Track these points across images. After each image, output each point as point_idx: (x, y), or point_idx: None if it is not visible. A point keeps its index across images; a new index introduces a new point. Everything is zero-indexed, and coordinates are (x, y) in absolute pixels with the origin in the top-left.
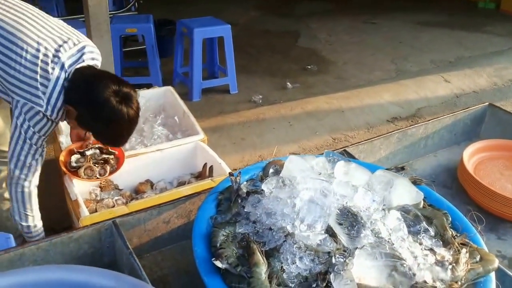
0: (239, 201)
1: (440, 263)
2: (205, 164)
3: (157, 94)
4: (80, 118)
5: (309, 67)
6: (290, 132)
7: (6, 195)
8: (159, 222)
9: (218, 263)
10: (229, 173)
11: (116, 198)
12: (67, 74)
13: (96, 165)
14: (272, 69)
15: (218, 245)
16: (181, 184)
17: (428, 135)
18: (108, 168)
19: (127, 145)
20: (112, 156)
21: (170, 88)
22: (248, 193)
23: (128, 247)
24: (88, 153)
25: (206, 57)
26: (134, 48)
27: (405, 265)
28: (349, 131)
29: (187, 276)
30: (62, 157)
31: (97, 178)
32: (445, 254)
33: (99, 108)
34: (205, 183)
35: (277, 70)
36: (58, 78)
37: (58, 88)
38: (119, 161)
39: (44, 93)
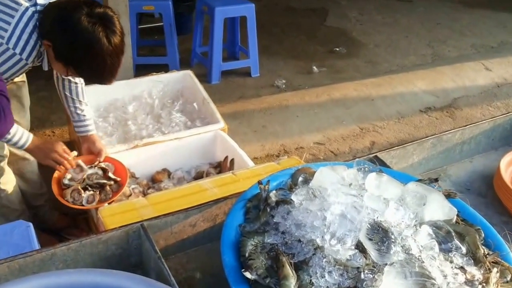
0: (268, 210)
1: (470, 282)
2: (226, 157)
3: (175, 78)
4: (57, 52)
5: (337, 49)
6: (315, 121)
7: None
8: (186, 225)
9: (248, 274)
10: (258, 181)
11: (133, 186)
12: (37, 7)
13: (89, 189)
14: (297, 51)
15: (247, 255)
16: (199, 174)
17: (465, 141)
18: (98, 196)
19: (144, 132)
20: (112, 183)
21: (189, 72)
22: (277, 203)
23: (156, 251)
24: (87, 172)
25: (226, 36)
26: (150, 25)
27: (434, 285)
28: (378, 121)
29: (212, 278)
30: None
31: (81, 206)
32: (476, 273)
33: (73, 34)
34: (226, 177)
35: (302, 52)
36: (26, 8)
37: (25, 19)
38: (118, 190)
39: (8, 23)
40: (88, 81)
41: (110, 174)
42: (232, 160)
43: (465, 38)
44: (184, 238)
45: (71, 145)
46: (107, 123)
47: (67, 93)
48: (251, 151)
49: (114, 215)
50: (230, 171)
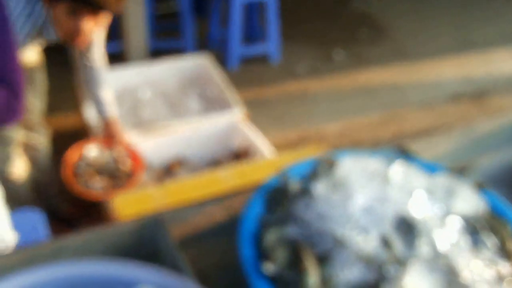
0: (289, 201)
1: (499, 277)
2: (244, 146)
3: (192, 63)
4: None
5: (361, 34)
6: (338, 108)
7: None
8: (203, 217)
9: (268, 267)
10: (279, 171)
11: (147, 175)
12: None
13: (101, 176)
14: (318, 36)
15: (267, 247)
16: (216, 163)
17: (495, 131)
18: (109, 184)
19: (159, 119)
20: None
21: (207, 56)
22: (298, 193)
23: (171, 242)
24: (101, 157)
25: (245, 20)
26: (165, 3)
27: (462, 279)
28: (403, 109)
29: (228, 272)
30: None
31: (89, 191)
32: (506, 268)
33: None
34: (245, 166)
35: (324, 36)
36: None
37: None
38: (130, 182)
39: None
40: (94, 10)
41: (121, 166)
42: (251, 149)
43: (495, 25)
44: (200, 230)
45: (83, 131)
46: (121, 110)
47: (86, 77)
48: (270, 140)
49: (128, 205)
50: (248, 161)
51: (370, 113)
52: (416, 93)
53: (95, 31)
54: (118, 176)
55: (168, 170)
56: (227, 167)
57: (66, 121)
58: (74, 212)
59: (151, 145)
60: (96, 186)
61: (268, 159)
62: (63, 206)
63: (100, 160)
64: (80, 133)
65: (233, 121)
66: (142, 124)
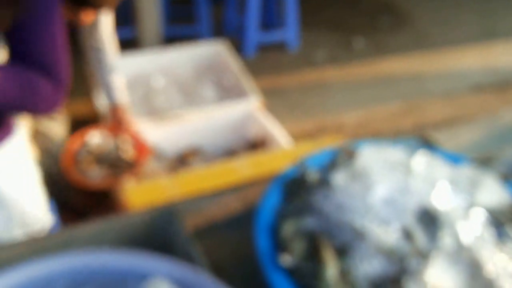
0: (307, 191)
1: None
2: (260, 135)
3: (207, 50)
4: None
5: (381, 21)
6: (357, 98)
7: None
8: (217, 208)
9: (285, 258)
10: (296, 160)
11: (160, 164)
12: None
13: (102, 165)
14: (338, 23)
15: (284, 238)
16: (232, 153)
17: None
18: (109, 173)
19: (172, 107)
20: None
21: (223, 42)
22: (316, 184)
23: (185, 233)
24: (103, 145)
25: (262, 6)
26: None
27: (485, 273)
28: (425, 100)
29: (243, 264)
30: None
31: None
32: None
33: None
34: (261, 156)
35: (343, 24)
36: None
37: None
38: (132, 171)
39: None
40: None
41: (123, 154)
42: (268, 138)
43: None
44: (215, 222)
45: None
46: (133, 98)
47: (94, 60)
48: (287, 129)
49: (140, 195)
50: (265, 151)
51: (390, 103)
52: (437, 83)
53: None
54: (118, 165)
55: (182, 160)
56: (242, 157)
57: (78, 108)
58: (86, 202)
59: (164, 134)
60: (93, 174)
61: (285, 149)
62: (75, 196)
63: (102, 147)
64: (92, 121)
65: (249, 110)
66: (155, 113)
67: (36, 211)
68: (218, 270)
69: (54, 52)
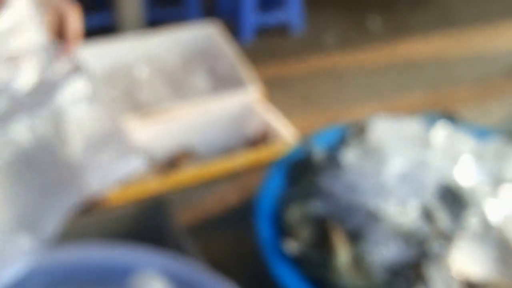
0: (313, 172)
1: None
2: (262, 129)
3: (198, 34)
4: None
5: None
6: (373, 87)
7: None
8: (212, 200)
9: (291, 246)
10: (301, 138)
11: (147, 167)
12: None
13: None
14: (351, 0)
15: (289, 224)
16: (229, 153)
17: None
18: None
19: (159, 101)
20: None
21: (215, 25)
22: (324, 163)
23: (177, 227)
24: None
25: None
26: None
27: None
28: (454, 86)
29: (244, 262)
30: None
31: None
32: None
33: None
34: (262, 153)
35: (358, 1)
36: None
37: None
38: None
39: None
40: None
41: None
42: (270, 132)
43: None
44: (211, 216)
45: None
46: (113, 92)
47: None
48: (294, 123)
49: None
50: (268, 146)
51: (413, 92)
52: (467, 68)
53: None
54: None
55: (172, 163)
56: (241, 156)
57: None
58: None
59: (151, 133)
60: None
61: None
62: None
63: None
64: None
65: (248, 102)
66: (139, 108)
67: None
68: (213, 267)
69: None
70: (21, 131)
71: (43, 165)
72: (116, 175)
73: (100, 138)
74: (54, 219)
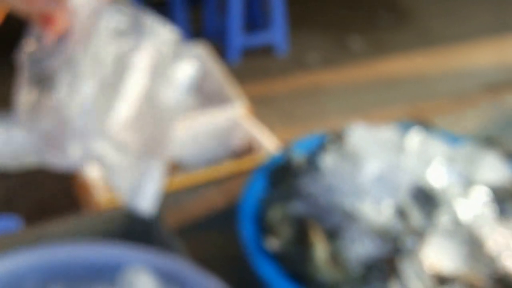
0: (294, 175)
1: None
2: (247, 142)
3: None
4: None
5: (381, 18)
6: (354, 103)
7: None
8: (199, 203)
9: (271, 242)
10: (282, 144)
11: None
12: None
13: None
14: (332, 21)
15: (270, 224)
16: (216, 163)
17: None
18: None
19: None
20: None
21: (202, 45)
22: (304, 168)
23: (165, 227)
24: None
25: (246, 4)
26: None
27: (486, 250)
28: (431, 103)
29: (230, 262)
30: None
31: None
32: None
33: None
34: (246, 163)
35: (339, 21)
36: None
37: None
38: None
39: None
40: None
41: None
42: (255, 145)
43: None
44: (198, 218)
45: None
46: None
47: None
48: (277, 138)
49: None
50: (252, 158)
51: (393, 108)
52: (445, 84)
53: None
54: None
55: None
56: (227, 166)
57: None
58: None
59: None
60: None
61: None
62: None
63: None
64: None
65: (234, 117)
66: None
67: None
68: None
69: None
70: None
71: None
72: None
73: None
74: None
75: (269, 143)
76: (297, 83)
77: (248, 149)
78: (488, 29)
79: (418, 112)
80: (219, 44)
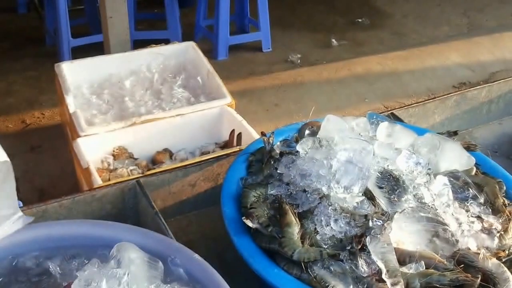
0: (272, 162)
1: (487, 230)
2: (233, 131)
3: (177, 51)
4: None
5: (359, 20)
6: (334, 99)
7: None
8: (185, 185)
9: (249, 223)
10: (262, 132)
11: (131, 168)
12: None
13: None
14: (314, 22)
15: (248, 205)
16: (204, 155)
17: (492, 99)
18: None
19: (142, 109)
20: None
21: (192, 43)
22: (281, 154)
23: (153, 206)
24: None
25: (234, 7)
26: None
27: (447, 231)
28: (406, 99)
29: (214, 242)
30: None
31: None
32: (494, 222)
33: None
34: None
35: (320, 23)
36: None
37: None
38: None
39: None
40: None
41: None
42: (240, 134)
43: (505, 6)
44: (183, 200)
45: (61, 128)
46: (102, 100)
47: None
48: (261, 129)
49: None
50: (237, 147)
51: (370, 103)
52: (419, 82)
53: None
54: None
55: (154, 163)
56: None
57: (44, 115)
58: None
59: (134, 136)
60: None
61: None
62: None
63: None
64: (59, 128)
65: (221, 110)
66: (124, 115)
67: None
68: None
69: None
70: None
71: None
72: None
73: None
74: None
75: (253, 134)
76: (281, 78)
77: (234, 139)
78: (458, 32)
79: (390, 107)
80: (209, 45)
